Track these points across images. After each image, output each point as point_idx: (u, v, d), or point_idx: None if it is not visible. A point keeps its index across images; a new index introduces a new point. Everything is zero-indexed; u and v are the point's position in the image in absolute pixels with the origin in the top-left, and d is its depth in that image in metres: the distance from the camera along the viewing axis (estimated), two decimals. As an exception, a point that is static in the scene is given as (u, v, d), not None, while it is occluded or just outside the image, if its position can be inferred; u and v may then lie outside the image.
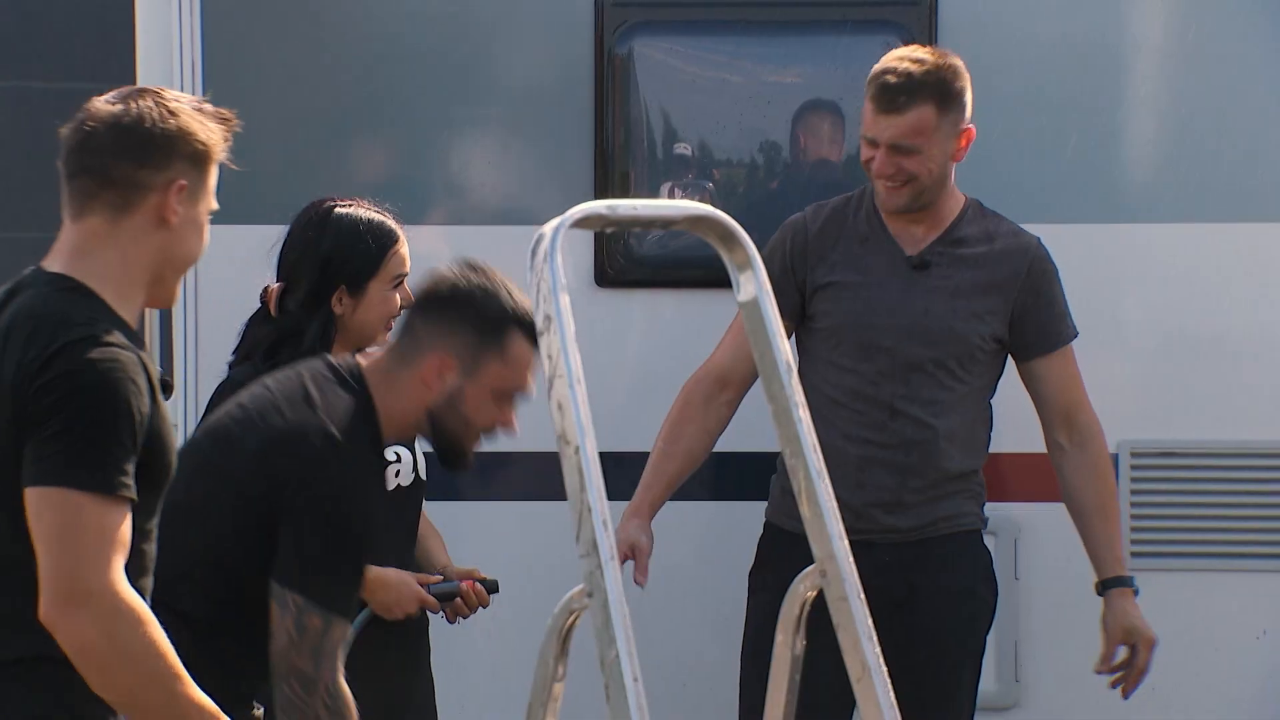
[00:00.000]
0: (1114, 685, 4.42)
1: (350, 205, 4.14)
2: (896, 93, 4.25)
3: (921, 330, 4.30)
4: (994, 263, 4.36)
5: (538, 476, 4.70)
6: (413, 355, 3.42)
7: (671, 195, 5.08)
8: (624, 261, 5.06)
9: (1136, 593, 4.40)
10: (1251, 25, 5.01)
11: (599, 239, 5.04)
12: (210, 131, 3.01)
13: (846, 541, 2.93)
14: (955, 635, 4.36)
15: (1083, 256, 4.94)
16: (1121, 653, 4.40)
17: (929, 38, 4.93)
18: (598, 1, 5.01)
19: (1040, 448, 4.50)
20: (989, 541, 4.56)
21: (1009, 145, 4.98)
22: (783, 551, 4.34)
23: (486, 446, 3.50)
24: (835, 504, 2.91)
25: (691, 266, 5.02)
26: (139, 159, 2.95)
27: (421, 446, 4.18)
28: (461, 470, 3.51)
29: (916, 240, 4.37)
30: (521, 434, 4.86)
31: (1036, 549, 5.01)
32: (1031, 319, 4.36)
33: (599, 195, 4.95)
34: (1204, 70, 5.00)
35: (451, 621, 4.24)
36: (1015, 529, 4.99)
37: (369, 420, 3.38)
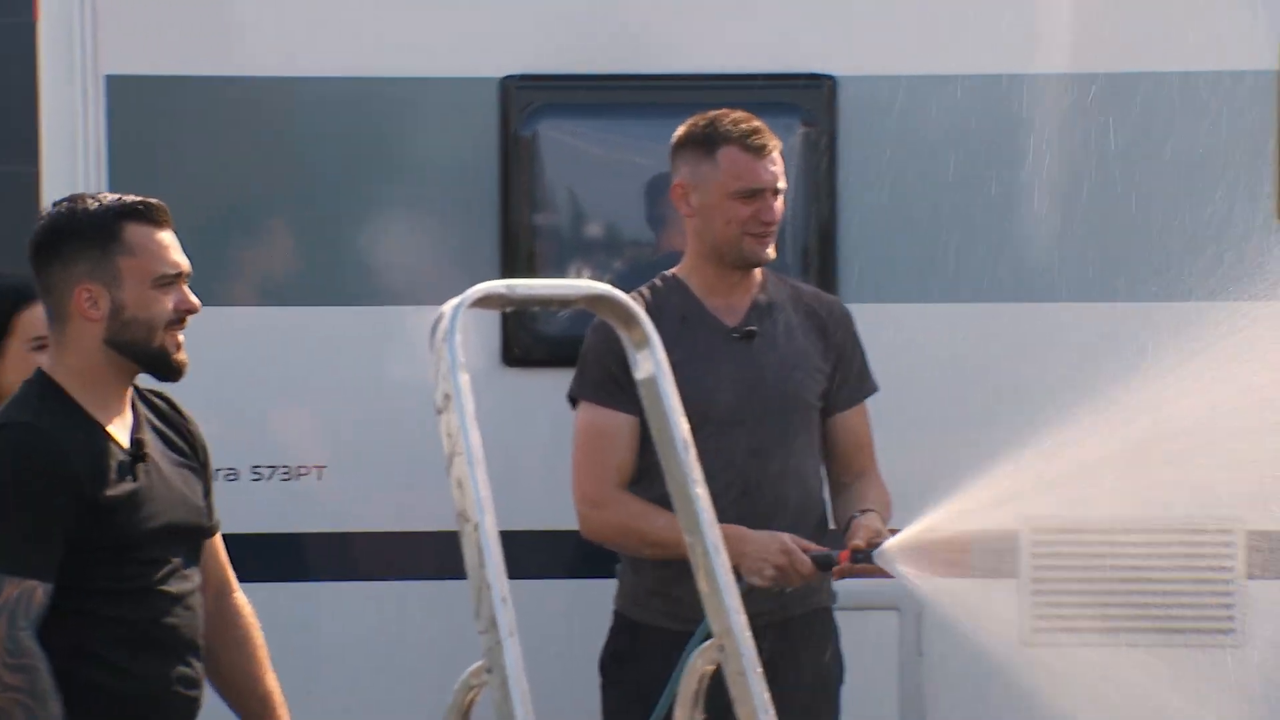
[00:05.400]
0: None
1: None
2: (766, 136, 4.27)
3: (760, 399, 4.22)
4: (810, 323, 4.35)
5: (440, 555, 4.71)
6: (60, 310, 3.42)
7: (578, 275, 5.12)
8: (531, 341, 5.09)
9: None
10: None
11: (505, 319, 5.07)
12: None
13: (744, 616, 2.96)
14: (821, 714, 4.33)
15: (988, 335, 4.99)
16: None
17: (830, 120, 5.00)
18: (503, 83, 5.06)
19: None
20: (893, 618, 4.57)
21: (902, 223, 5.04)
22: (636, 645, 4.33)
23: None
24: (732, 578, 2.94)
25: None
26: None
27: None
28: (179, 376, 3.46)
29: (735, 311, 4.33)
30: (426, 513, 4.87)
31: (940, 624, 5.03)
32: (840, 376, 4.35)
33: (505, 275, 4.98)
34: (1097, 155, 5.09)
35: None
36: (917, 604, 5.02)
37: (45, 395, 3.39)
